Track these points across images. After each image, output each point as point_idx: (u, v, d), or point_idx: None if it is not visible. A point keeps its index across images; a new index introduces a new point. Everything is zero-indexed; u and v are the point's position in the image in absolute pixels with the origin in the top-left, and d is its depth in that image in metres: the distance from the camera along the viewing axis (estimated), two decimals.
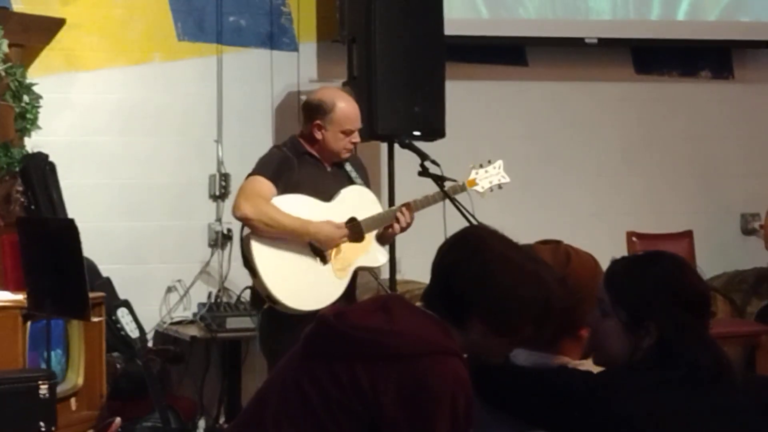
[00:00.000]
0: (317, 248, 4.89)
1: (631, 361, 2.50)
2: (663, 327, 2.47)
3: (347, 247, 4.95)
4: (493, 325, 2.46)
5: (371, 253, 5.04)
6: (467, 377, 2.42)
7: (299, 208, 4.85)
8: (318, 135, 4.92)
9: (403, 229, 4.98)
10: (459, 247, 2.53)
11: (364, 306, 2.57)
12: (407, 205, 4.98)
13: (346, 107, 4.96)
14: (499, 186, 5.30)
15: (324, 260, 4.89)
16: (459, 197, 5.02)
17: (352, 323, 2.45)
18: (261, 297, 4.86)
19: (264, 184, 4.83)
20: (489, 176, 5.27)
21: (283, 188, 4.85)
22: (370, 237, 5.02)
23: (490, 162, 5.29)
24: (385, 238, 5.08)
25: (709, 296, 2.58)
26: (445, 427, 2.36)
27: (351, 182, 5.05)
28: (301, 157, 4.93)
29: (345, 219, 4.94)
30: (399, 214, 4.96)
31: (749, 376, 3.99)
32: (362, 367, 2.37)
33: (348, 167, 5.06)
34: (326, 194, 4.95)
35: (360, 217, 4.97)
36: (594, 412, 2.43)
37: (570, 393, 2.46)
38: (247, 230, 4.85)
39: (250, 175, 4.90)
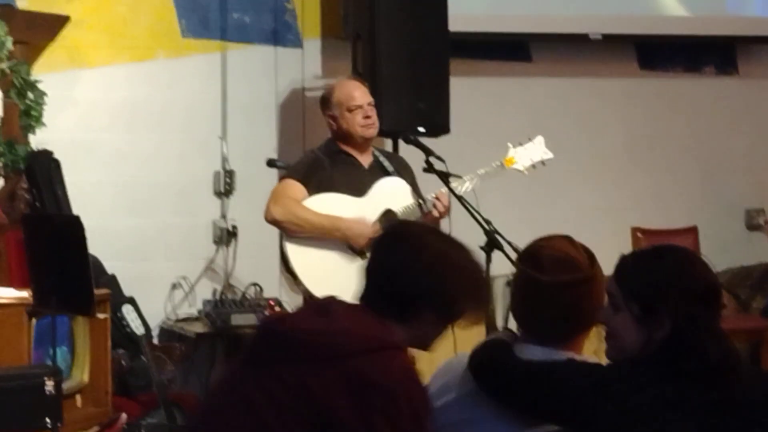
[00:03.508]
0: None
1: (640, 354, 2.50)
2: (675, 318, 2.47)
3: None
4: (443, 314, 2.56)
5: None
6: (414, 369, 2.46)
7: (331, 205, 4.82)
8: (334, 125, 4.95)
9: (442, 215, 4.92)
10: (399, 247, 2.59)
11: (304, 310, 2.64)
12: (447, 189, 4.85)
13: (342, 86, 4.99)
14: (543, 162, 5.13)
15: (363, 256, 4.85)
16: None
17: (294, 327, 2.48)
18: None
19: (293, 186, 4.82)
20: (529, 153, 5.10)
21: (316, 189, 4.83)
22: None
23: (529, 139, 5.16)
24: None
25: (720, 288, 2.59)
26: (406, 420, 2.35)
27: (387, 176, 5.05)
28: (334, 156, 4.93)
29: (380, 212, 4.91)
30: (436, 201, 4.94)
31: (755, 370, 3.98)
32: (308, 370, 2.38)
33: (386, 163, 5.04)
34: (363, 190, 4.93)
35: (396, 209, 4.95)
36: (599, 406, 2.43)
37: (576, 386, 2.47)
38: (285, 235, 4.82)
39: (280, 179, 4.91)
